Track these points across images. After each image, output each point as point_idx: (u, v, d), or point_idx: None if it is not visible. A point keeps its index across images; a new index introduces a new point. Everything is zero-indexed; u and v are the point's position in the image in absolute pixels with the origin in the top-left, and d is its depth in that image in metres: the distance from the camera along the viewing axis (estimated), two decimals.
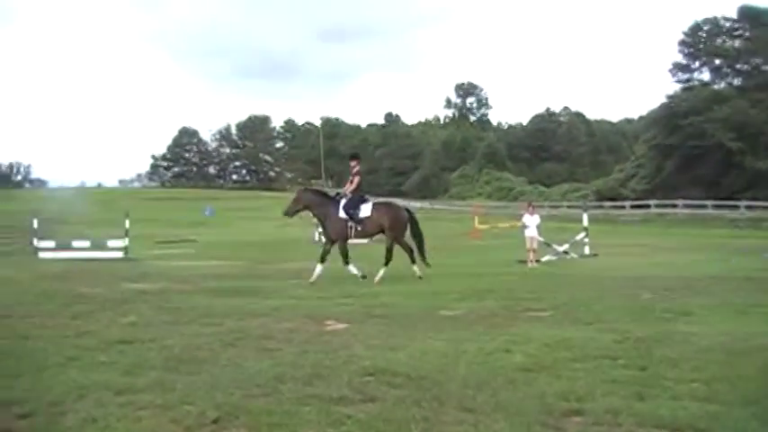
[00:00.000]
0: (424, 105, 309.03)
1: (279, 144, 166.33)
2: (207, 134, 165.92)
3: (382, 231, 18.94)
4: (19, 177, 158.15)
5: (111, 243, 30.05)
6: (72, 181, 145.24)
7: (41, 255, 29.57)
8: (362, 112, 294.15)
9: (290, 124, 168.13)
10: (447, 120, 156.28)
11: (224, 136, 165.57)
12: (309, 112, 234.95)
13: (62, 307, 12.66)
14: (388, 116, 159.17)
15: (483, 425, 5.54)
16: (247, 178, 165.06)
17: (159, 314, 11.60)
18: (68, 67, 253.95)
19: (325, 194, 19.58)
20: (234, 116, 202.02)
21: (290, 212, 18.93)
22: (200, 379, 6.86)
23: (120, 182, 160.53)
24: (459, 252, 30.09)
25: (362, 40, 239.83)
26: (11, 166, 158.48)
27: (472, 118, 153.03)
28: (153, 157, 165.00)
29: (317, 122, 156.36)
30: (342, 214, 18.32)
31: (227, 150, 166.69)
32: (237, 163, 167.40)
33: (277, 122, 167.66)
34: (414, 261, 18.54)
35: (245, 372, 7.15)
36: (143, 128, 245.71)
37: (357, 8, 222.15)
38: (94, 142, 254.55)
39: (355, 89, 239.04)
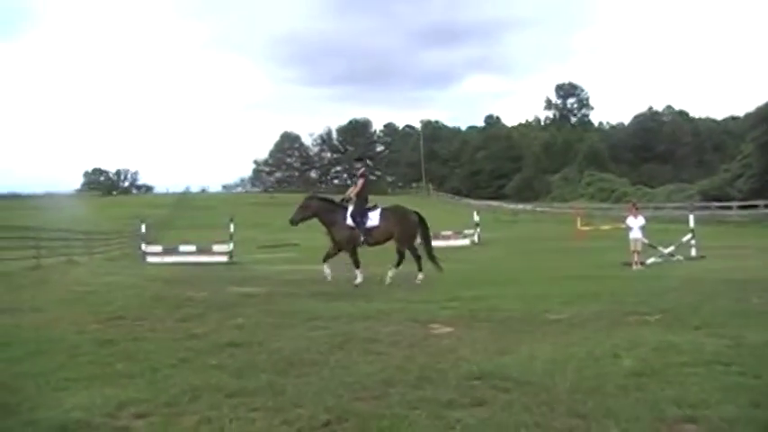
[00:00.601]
0: (524, 107, 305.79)
1: (379, 148, 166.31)
2: (308, 139, 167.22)
3: (392, 238, 18.70)
4: (126, 183, 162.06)
5: (216, 247, 30.64)
6: (177, 186, 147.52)
7: (149, 259, 30.34)
8: (463, 115, 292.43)
9: (390, 128, 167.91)
10: (548, 121, 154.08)
11: (325, 140, 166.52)
12: (409, 116, 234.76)
13: (171, 310, 12.93)
14: (489, 118, 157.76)
15: (595, 431, 5.46)
16: (348, 182, 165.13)
17: (266, 317, 11.75)
18: (174, 76, 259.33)
19: (332, 201, 19.22)
20: (335, 120, 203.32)
21: (297, 220, 18.74)
22: (310, 382, 6.92)
23: (224, 187, 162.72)
24: (563, 254, 29.77)
25: (462, 43, 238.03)
26: (118, 173, 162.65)
27: (573, 119, 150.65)
28: (255, 162, 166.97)
29: (417, 125, 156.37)
30: (349, 222, 18.23)
31: (329, 155, 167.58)
32: (338, 167, 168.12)
33: (377, 126, 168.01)
34: (420, 268, 18.43)
35: (353, 375, 7.19)
36: (246, 133, 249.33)
37: (456, 11, 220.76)
38: (199, 148, 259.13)
39: (455, 92, 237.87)
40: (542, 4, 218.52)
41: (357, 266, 18.12)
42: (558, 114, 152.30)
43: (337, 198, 19.51)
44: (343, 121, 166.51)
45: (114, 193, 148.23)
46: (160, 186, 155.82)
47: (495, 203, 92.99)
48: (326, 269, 18.25)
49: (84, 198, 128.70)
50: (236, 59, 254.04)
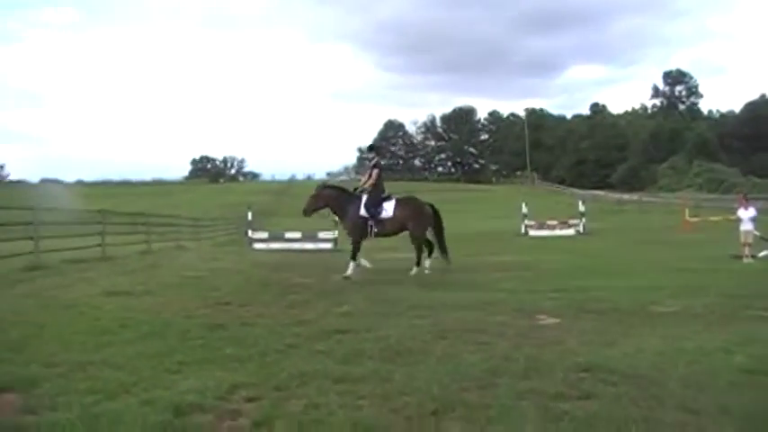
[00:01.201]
0: (630, 95, 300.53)
1: (484, 136, 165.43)
2: (412, 127, 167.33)
3: (404, 229, 18.13)
4: (233, 171, 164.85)
5: (322, 234, 30.94)
6: (283, 173, 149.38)
7: (255, 245, 30.85)
8: (568, 103, 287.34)
9: (494, 116, 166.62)
10: (655, 109, 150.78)
11: (429, 128, 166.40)
12: (514, 104, 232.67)
13: (278, 296, 13.17)
14: (594, 106, 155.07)
15: (709, 429, 5.34)
16: (452, 170, 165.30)
17: (372, 305, 11.85)
18: (281, 64, 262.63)
19: (345, 191, 18.67)
20: (439, 109, 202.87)
21: (309, 211, 18.20)
22: (417, 370, 6.94)
23: (329, 174, 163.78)
24: (670, 246, 29.15)
25: (567, 30, 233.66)
26: (225, 161, 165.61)
27: (681, 107, 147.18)
28: (359, 149, 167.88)
29: (522, 114, 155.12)
30: (363, 212, 17.63)
31: (433, 143, 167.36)
32: (443, 155, 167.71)
33: (482, 114, 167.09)
34: (430, 254, 18.36)
35: (459, 365, 7.18)
36: (351, 121, 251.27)
37: None
38: (304, 135, 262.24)
39: (560, 80, 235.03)
40: None
41: (354, 258, 17.55)
42: (665, 102, 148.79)
43: (350, 187, 19.04)
44: (448, 110, 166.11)
45: (221, 180, 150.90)
46: (266, 174, 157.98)
47: (600, 193, 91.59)
48: (363, 261, 18.36)
49: (192, 185, 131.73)
50: (340, 48, 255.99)
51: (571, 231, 39.19)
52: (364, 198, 17.74)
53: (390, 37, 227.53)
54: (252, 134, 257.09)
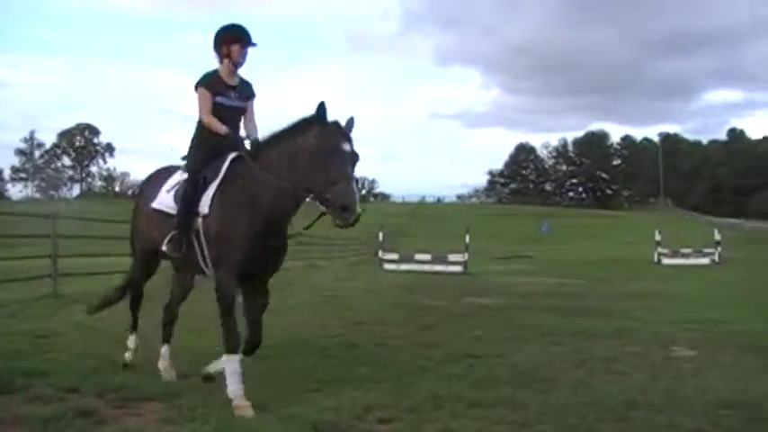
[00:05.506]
0: None
1: (616, 161, 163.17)
2: (543, 151, 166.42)
3: None
4: (363, 192, 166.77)
5: (452, 257, 30.95)
6: (413, 196, 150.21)
7: (386, 266, 31.03)
8: (704, 128, 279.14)
9: (627, 141, 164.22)
10: None
11: (560, 153, 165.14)
12: (647, 129, 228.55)
13: (410, 318, 13.27)
14: (731, 132, 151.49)
15: None
16: (584, 196, 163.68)
17: (503, 330, 11.78)
18: (410, 86, 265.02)
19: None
20: (570, 133, 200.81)
21: None
22: (551, 398, 6.87)
23: (459, 197, 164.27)
24: None
25: (703, 52, 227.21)
26: (356, 181, 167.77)
27: None
28: (490, 173, 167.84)
29: (656, 138, 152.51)
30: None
31: (564, 167, 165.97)
32: (574, 180, 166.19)
33: (615, 139, 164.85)
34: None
35: (594, 394, 7.06)
36: (481, 144, 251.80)
37: (694, 17, 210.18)
38: (434, 158, 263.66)
39: (696, 104, 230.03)
40: None
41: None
42: None
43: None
44: (580, 134, 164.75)
45: None
46: (396, 195, 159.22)
47: (736, 221, 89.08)
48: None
49: None
50: (469, 71, 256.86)
51: (706, 260, 38.19)
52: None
53: (520, 60, 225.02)
54: (383, 156, 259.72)
